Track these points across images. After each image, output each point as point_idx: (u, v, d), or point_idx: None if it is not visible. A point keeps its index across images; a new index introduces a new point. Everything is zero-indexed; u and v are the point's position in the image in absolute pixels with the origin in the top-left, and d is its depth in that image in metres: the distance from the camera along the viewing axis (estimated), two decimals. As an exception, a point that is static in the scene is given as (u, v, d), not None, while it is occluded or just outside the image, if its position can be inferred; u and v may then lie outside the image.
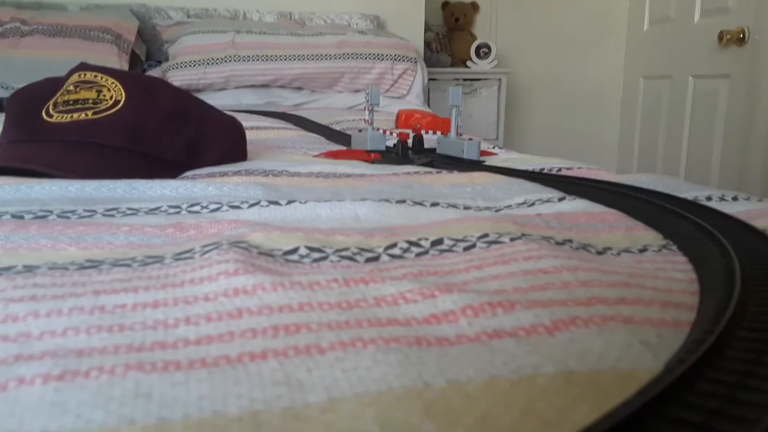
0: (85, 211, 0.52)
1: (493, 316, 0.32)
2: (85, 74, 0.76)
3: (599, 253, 0.48)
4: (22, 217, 0.49)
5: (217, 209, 0.56)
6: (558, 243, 0.48)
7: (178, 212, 0.54)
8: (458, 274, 0.40)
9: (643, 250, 0.49)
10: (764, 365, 0.24)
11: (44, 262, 0.38)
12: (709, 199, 0.66)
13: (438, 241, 0.48)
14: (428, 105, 2.28)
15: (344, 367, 0.26)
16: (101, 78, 0.76)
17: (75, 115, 0.72)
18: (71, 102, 0.73)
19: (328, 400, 0.24)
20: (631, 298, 0.35)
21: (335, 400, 0.24)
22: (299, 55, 1.85)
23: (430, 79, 2.34)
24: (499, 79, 2.45)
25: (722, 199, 0.66)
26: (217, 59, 1.79)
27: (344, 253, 0.44)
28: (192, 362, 0.26)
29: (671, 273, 0.42)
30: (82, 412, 0.22)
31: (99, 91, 0.74)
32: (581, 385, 0.26)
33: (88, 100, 0.73)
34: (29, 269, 0.37)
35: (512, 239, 0.47)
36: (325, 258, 0.43)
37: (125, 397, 0.23)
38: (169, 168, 0.77)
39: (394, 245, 0.46)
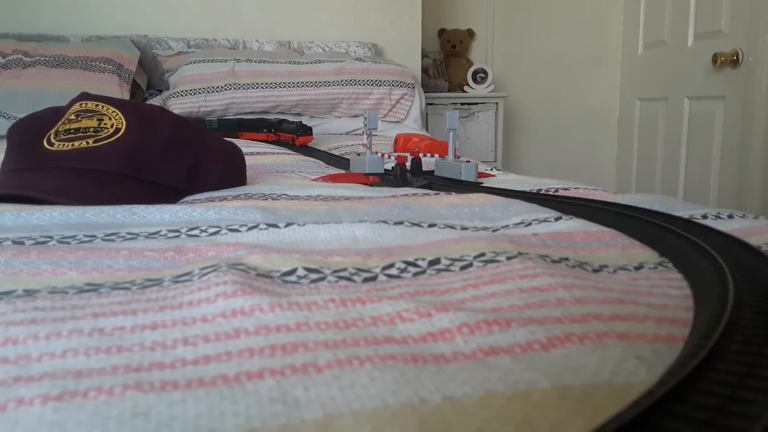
0: (85, 236, 0.53)
1: (489, 334, 0.32)
2: (86, 103, 0.77)
3: (595, 270, 0.48)
4: (22, 243, 0.49)
5: (216, 233, 0.56)
6: (554, 261, 0.48)
7: (177, 236, 0.55)
8: (455, 293, 0.40)
9: (638, 268, 0.49)
10: (756, 377, 0.24)
11: (44, 287, 0.38)
12: (704, 217, 0.67)
13: (435, 261, 0.48)
14: (426, 129, 2.30)
15: (341, 384, 0.26)
16: (102, 107, 0.77)
17: (76, 143, 0.72)
18: (72, 130, 0.74)
19: (325, 417, 0.24)
20: (626, 315, 0.36)
21: (332, 417, 0.24)
22: (298, 82, 1.87)
23: (428, 104, 2.36)
24: (496, 103, 2.48)
25: (718, 217, 0.67)
26: (218, 87, 1.81)
27: (342, 274, 0.44)
28: (189, 382, 0.26)
29: (666, 290, 0.42)
30: (80, 432, 0.22)
31: (100, 120, 0.75)
32: (576, 399, 0.26)
33: (89, 128, 0.74)
34: (29, 293, 0.37)
35: (508, 258, 0.47)
36: (323, 279, 0.43)
37: (123, 416, 0.23)
38: (169, 194, 0.77)
39: (391, 265, 0.47)
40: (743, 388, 0.23)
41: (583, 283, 0.41)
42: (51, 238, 0.52)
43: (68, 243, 0.51)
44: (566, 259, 0.50)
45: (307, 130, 1.48)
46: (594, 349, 0.31)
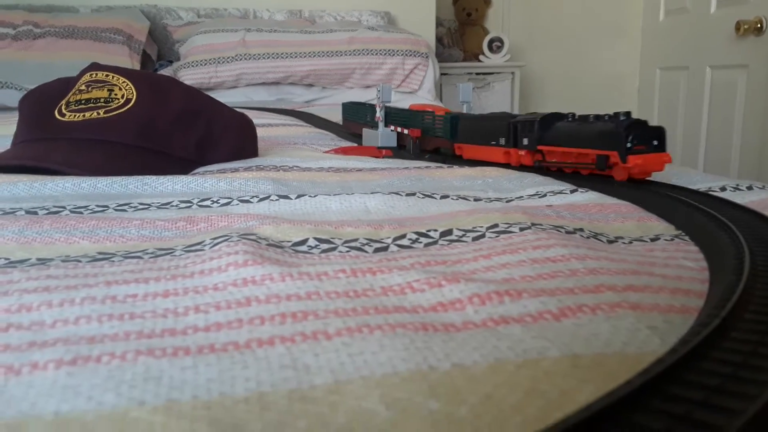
0: (97, 206, 0.53)
1: (500, 304, 0.32)
2: (96, 74, 0.77)
3: (610, 241, 0.48)
4: (35, 213, 0.50)
5: (228, 203, 0.56)
6: (569, 232, 0.48)
7: (189, 207, 0.55)
8: (466, 264, 0.40)
9: (654, 240, 0.49)
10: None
11: (57, 255, 0.39)
12: (723, 189, 0.66)
13: (447, 232, 0.48)
14: (440, 100, 2.28)
15: (350, 351, 0.27)
16: (112, 77, 0.76)
17: (87, 114, 0.72)
18: (83, 101, 0.74)
19: (335, 382, 0.24)
20: (640, 285, 0.35)
21: (341, 382, 0.24)
22: (309, 52, 1.85)
23: (442, 74, 2.34)
24: (512, 73, 2.44)
25: (737, 188, 0.66)
26: (228, 58, 1.80)
27: (353, 244, 0.44)
28: (201, 348, 0.26)
29: (682, 261, 0.42)
30: (93, 395, 0.22)
31: (110, 90, 0.74)
32: (586, 368, 0.26)
33: (99, 99, 0.74)
34: (43, 262, 0.38)
35: (522, 229, 0.47)
36: (333, 249, 0.43)
37: (135, 380, 0.24)
38: (180, 165, 0.77)
39: (403, 236, 0.47)
40: (756, 356, 0.23)
41: (597, 254, 0.41)
42: (64, 208, 0.52)
43: (81, 213, 0.51)
44: (581, 230, 0.49)
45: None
46: (606, 319, 0.30)
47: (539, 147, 0.73)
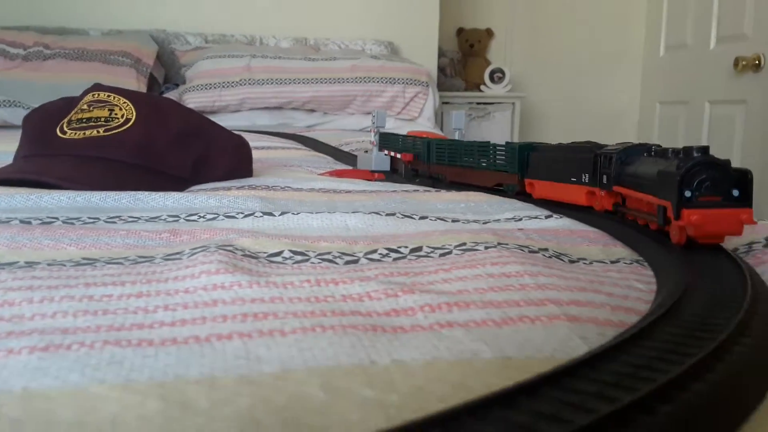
0: (89, 218, 0.56)
1: (449, 312, 0.35)
2: (98, 94, 0.81)
3: (572, 261, 0.50)
4: (29, 223, 0.53)
5: (214, 219, 0.59)
6: (532, 251, 0.50)
7: (176, 221, 0.58)
8: (427, 275, 0.42)
9: (615, 262, 0.51)
10: (661, 360, 0.26)
11: (44, 259, 0.42)
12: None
13: (417, 249, 0.50)
14: (441, 128, 2.32)
15: (301, 346, 0.29)
16: (113, 98, 0.80)
17: (87, 132, 0.76)
18: (84, 120, 0.77)
19: (282, 370, 0.27)
20: (584, 301, 0.38)
21: (288, 370, 0.27)
22: (312, 79, 1.90)
23: (444, 103, 2.38)
24: (513, 103, 2.49)
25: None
26: (233, 82, 1.85)
27: (326, 256, 0.47)
28: (164, 340, 0.29)
29: (633, 282, 0.44)
30: (60, 375, 0.25)
31: (111, 110, 0.78)
32: (515, 368, 0.28)
33: (100, 118, 0.77)
34: (30, 264, 0.40)
35: (487, 248, 0.49)
36: (306, 260, 0.46)
37: (100, 364, 0.26)
38: (176, 183, 0.80)
39: (374, 251, 0.49)
40: (643, 368, 0.25)
41: (551, 271, 0.43)
42: (57, 219, 0.55)
43: (72, 224, 0.54)
44: (545, 249, 0.52)
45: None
46: (543, 329, 0.33)
47: (615, 188, 0.57)
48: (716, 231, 0.45)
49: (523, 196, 0.77)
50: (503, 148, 0.79)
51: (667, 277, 0.44)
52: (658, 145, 0.54)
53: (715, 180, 0.45)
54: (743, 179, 0.45)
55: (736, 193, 0.45)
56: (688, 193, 0.45)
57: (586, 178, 0.62)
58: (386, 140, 1.20)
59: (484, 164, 0.84)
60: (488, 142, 0.84)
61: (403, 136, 1.12)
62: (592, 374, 0.24)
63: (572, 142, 0.70)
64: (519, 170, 0.76)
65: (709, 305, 0.34)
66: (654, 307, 0.35)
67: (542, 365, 0.29)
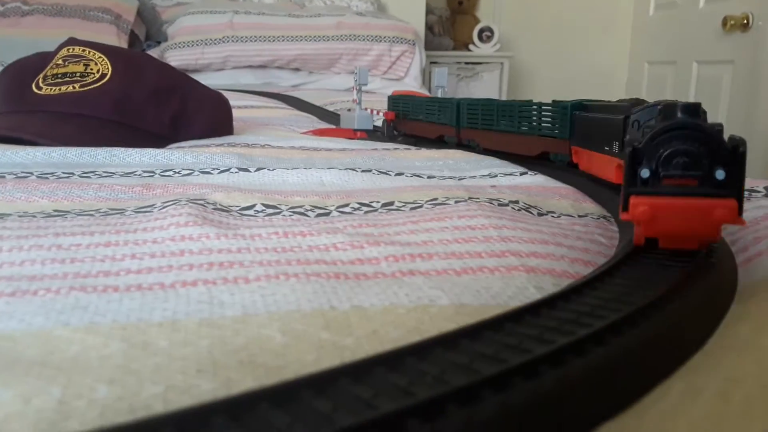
0: (63, 173, 0.56)
1: (411, 262, 0.36)
2: (73, 49, 0.80)
3: (540, 214, 0.51)
4: (3, 177, 0.53)
5: (189, 174, 0.60)
6: (502, 204, 0.51)
7: (151, 176, 0.58)
8: (395, 227, 0.43)
9: (582, 216, 0.52)
10: (607, 309, 0.27)
11: (15, 211, 0.42)
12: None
13: (389, 203, 0.51)
14: (428, 89, 2.30)
15: (264, 293, 0.30)
16: (89, 52, 0.79)
17: (63, 88, 0.75)
18: (59, 75, 0.77)
19: (243, 315, 0.28)
20: (544, 253, 0.39)
21: (249, 315, 0.28)
22: (297, 36, 1.88)
23: (432, 62, 2.36)
24: (501, 63, 2.47)
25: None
26: (215, 39, 1.82)
27: (298, 210, 0.48)
28: (129, 287, 0.30)
29: (596, 237, 0.45)
30: (25, 318, 0.26)
31: (86, 65, 0.77)
32: (469, 315, 0.30)
33: (75, 73, 0.77)
34: (1, 217, 0.41)
35: (456, 202, 0.50)
36: (278, 213, 0.46)
37: (65, 309, 0.27)
38: (154, 140, 0.80)
39: (346, 205, 0.50)
40: (585, 315, 0.26)
41: (515, 224, 0.44)
42: (31, 173, 0.55)
43: (47, 178, 0.54)
44: (516, 202, 0.52)
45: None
46: (501, 278, 0.34)
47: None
48: (674, 230, 0.31)
49: (574, 168, 0.60)
50: (549, 108, 0.63)
51: (630, 232, 0.45)
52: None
53: (691, 154, 0.31)
54: (734, 154, 0.31)
55: (720, 175, 0.30)
56: (645, 173, 0.31)
57: (615, 147, 0.46)
58: (403, 104, 1.01)
59: (525, 128, 0.68)
60: (530, 101, 0.68)
61: (428, 99, 0.94)
62: (535, 320, 0.25)
63: (620, 100, 0.54)
64: (570, 135, 0.59)
65: (663, 257, 0.35)
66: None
67: (495, 312, 0.30)
